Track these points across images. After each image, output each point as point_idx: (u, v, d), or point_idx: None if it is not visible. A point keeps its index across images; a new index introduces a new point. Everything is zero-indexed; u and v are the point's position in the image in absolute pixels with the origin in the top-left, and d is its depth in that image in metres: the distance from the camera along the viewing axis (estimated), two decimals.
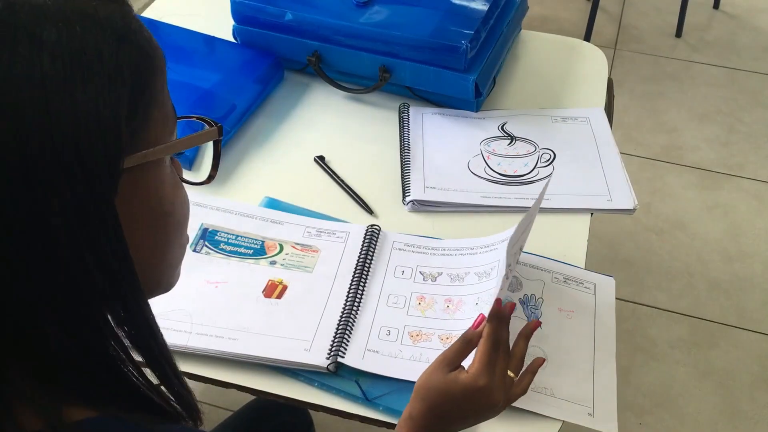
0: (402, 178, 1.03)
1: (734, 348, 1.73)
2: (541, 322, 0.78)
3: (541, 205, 0.99)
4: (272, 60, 1.17)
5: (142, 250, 0.44)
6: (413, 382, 0.77)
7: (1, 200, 0.37)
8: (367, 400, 0.77)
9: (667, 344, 1.73)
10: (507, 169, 1.05)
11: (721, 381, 1.67)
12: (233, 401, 1.25)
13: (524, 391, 0.72)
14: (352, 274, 0.89)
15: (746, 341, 1.74)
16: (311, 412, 1.04)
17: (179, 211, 0.49)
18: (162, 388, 0.47)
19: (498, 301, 0.70)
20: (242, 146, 1.08)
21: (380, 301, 0.86)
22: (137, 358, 0.45)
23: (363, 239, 0.92)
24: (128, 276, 0.43)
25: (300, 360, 0.79)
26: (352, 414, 0.77)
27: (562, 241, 0.96)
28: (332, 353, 0.79)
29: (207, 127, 0.52)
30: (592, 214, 1.00)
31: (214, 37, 1.21)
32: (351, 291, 0.87)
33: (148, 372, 0.46)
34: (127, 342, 0.44)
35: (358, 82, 1.17)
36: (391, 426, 0.77)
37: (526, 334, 0.74)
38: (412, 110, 1.15)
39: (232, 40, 1.23)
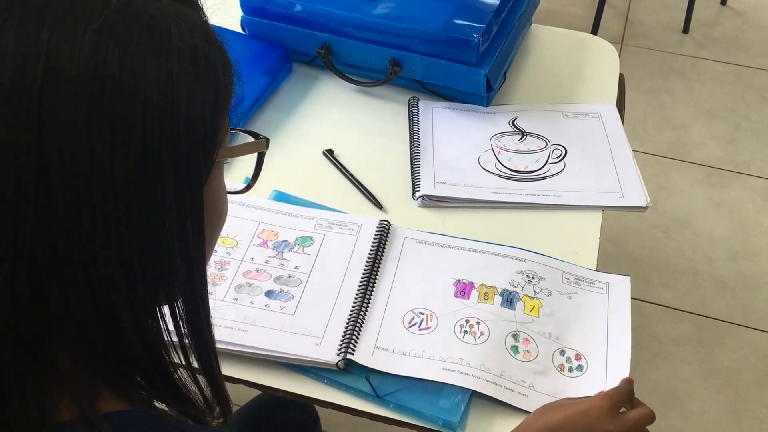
0: (412, 172, 1.02)
1: (740, 347, 1.72)
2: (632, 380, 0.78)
3: (552, 202, 0.99)
4: (281, 52, 1.16)
5: None
6: (424, 380, 0.77)
7: (115, 182, 0.37)
8: (377, 397, 0.76)
9: (672, 342, 1.72)
10: (518, 164, 1.04)
11: (727, 380, 1.66)
12: (237, 395, 1.25)
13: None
14: (363, 269, 0.88)
15: (752, 340, 1.74)
16: (317, 407, 1.04)
17: (225, 213, 0.51)
18: (201, 382, 0.48)
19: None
20: (250, 139, 1.07)
21: (390, 298, 0.85)
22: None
23: (374, 233, 0.91)
24: (201, 267, 0.45)
25: (310, 355, 0.78)
26: (362, 411, 0.76)
27: (573, 239, 0.95)
28: (342, 350, 0.78)
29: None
30: (603, 211, 0.99)
31: (221, 27, 1.18)
32: (361, 286, 0.86)
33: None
34: (185, 337, 0.45)
35: (367, 75, 1.16)
36: (402, 424, 0.76)
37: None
38: (421, 104, 1.13)
39: (240, 31, 1.21)
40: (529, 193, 1.00)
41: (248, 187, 0.58)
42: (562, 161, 1.05)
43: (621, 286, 0.89)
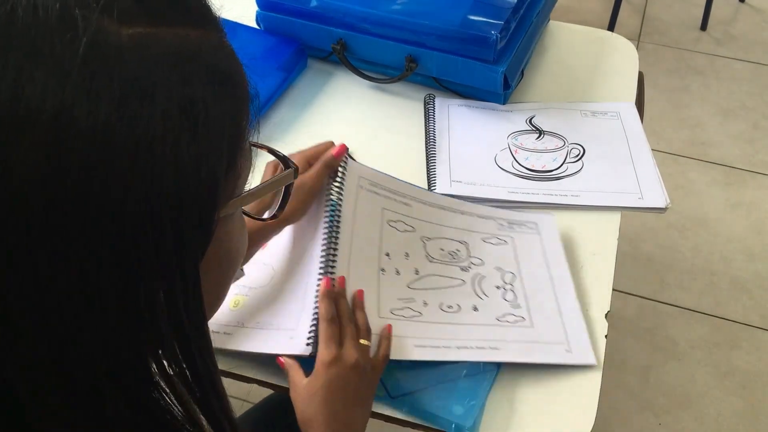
0: (427, 171, 1.01)
1: (756, 349, 1.70)
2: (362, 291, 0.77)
3: (570, 203, 0.97)
4: (296, 47, 1.15)
5: (206, 295, 0.40)
6: (438, 383, 0.76)
7: (84, 259, 0.32)
8: (390, 398, 0.75)
9: (687, 344, 1.70)
10: (535, 164, 1.03)
11: (743, 382, 1.64)
12: (247, 392, 1.24)
13: (386, 357, 0.74)
14: (322, 233, 0.78)
15: None
16: None
17: (242, 254, 0.46)
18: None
19: (326, 278, 0.73)
20: (264, 135, 1.06)
21: (351, 267, 0.77)
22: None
23: (328, 180, 0.81)
24: (200, 335, 0.40)
25: (285, 351, 0.73)
26: (375, 413, 0.75)
27: (591, 240, 0.93)
28: (311, 339, 0.72)
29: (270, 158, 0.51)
30: (621, 212, 0.97)
31: (236, 22, 1.19)
32: (322, 259, 0.76)
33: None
34: (188, 400, 0.41)
35: (383, 72, 1.15)
36: (416, 426, 0.75)
37: (358, 305, 0.75)
38: (437, 101, 1.12)
39: (255, 26, 1.20)
40: (547, 193, 0.98)
41: (273, 217, 0.53)
42: (580, 161, 1.03)
43: (548, 223, 0.91)
